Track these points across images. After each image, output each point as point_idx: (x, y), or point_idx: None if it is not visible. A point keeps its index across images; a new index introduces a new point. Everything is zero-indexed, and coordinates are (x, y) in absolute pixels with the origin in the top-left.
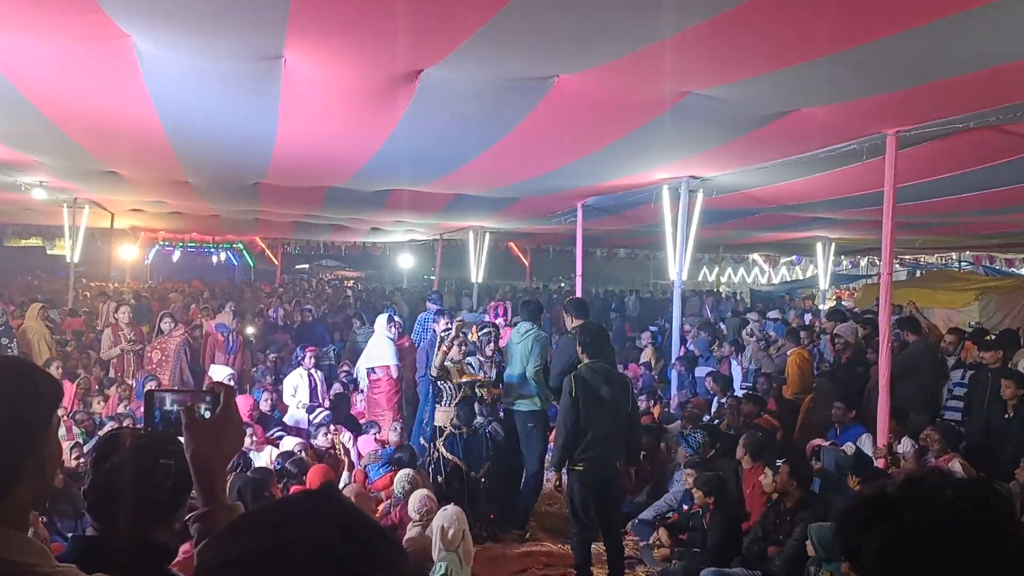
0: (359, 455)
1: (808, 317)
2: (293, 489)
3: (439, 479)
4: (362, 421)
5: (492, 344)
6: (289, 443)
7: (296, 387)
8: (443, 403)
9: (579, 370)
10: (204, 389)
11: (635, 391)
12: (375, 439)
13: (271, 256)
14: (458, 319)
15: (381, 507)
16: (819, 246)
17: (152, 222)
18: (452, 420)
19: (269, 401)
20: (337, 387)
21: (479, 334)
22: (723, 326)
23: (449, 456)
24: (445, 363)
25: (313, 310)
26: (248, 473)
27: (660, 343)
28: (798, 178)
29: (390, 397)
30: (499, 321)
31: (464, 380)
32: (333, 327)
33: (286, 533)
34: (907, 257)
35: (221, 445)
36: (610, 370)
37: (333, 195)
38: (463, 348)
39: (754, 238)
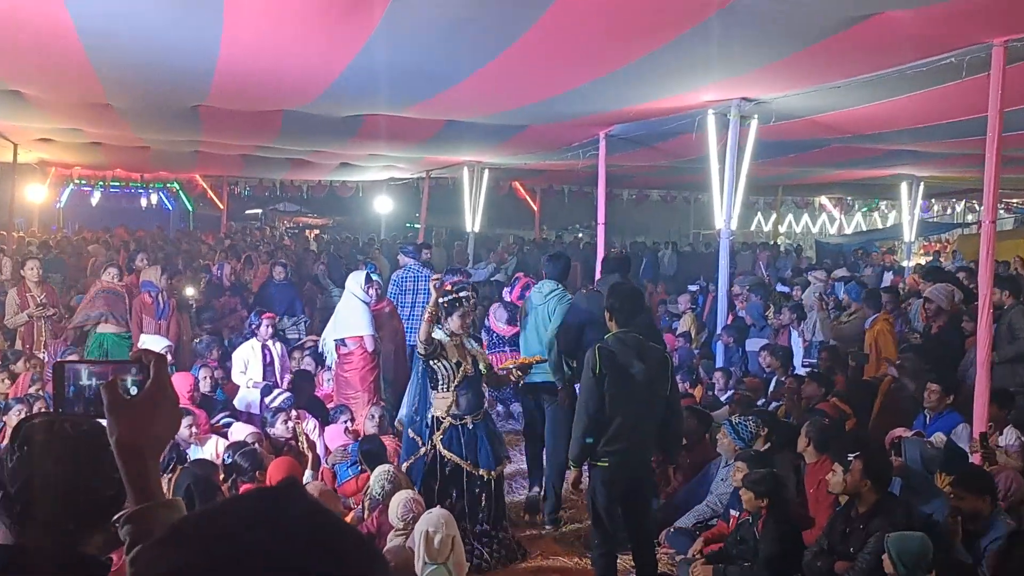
0: (326, 449)
1: (889, 277)
2: (244, 488)
3: (433, 483)
4: (330, 406)
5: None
6: (240, 432)
7: (247, 362)
8: (440, 387)
9: (606, 341)
10: (129, 359)
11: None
12: (346, 430)
13: (215, 199)
14: (434, 277)
15: (352, 515)
16: (903, 187)
17: (65, 155)
18: (450, 408)
19: (209, 379)
20: (308, 362)
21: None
22: (782, 287)
23: (447, 454)
24: (435, 335)
25: (287, 267)
26: (189, 467)
27: (701, 308)
28: (879, 100)
29: (365, 375)
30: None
31: (514, 365)
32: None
33: (238, 540)
34: (1015, 201)
35: (153, 428)
36: (644, 342)
37: (292, 121)
38: (466, 319)
39: (821, 177)
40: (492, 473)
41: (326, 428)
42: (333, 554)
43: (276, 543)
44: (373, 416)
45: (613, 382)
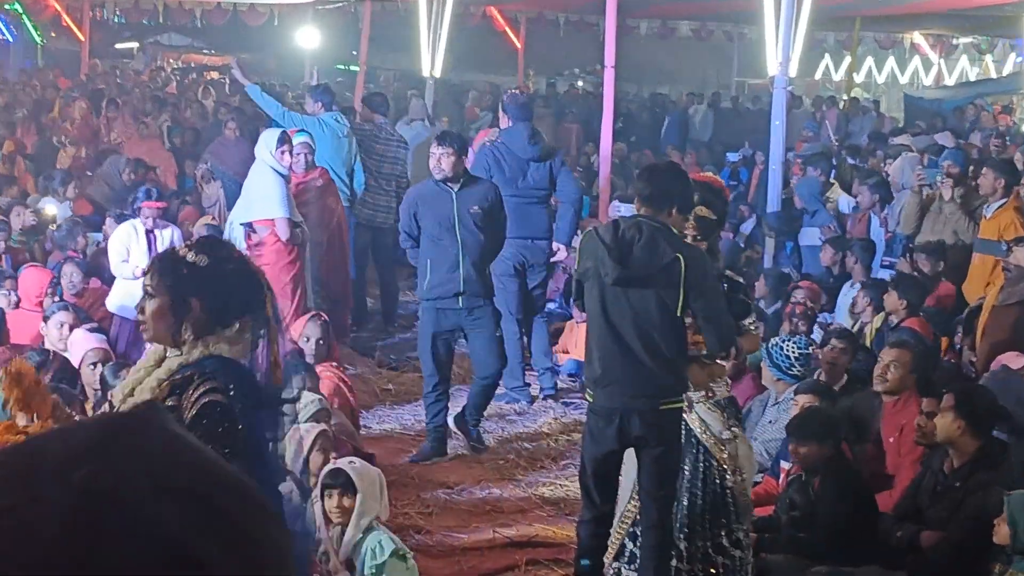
0: None
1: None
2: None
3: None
4: None
5: None
6: (80, 344)
7: (128, 249)
8: None
9: (599, 226)
10: None
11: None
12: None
13: (73, 27)
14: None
15: None
16: None
17: None
18: None
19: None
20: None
21: None
22: (852, 160)
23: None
24: None
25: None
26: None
27: (745, 186)
28: None
29: (279, 274)
30: None
31: None
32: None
33: (57, 483)
34: None
35: None
36: (655, 235)
37: None
38: None
39: (915, 5)
40: None
41: None
42: (191, 501)
43: (111, 484)
44: (308, 339)
45: (590, 290)
